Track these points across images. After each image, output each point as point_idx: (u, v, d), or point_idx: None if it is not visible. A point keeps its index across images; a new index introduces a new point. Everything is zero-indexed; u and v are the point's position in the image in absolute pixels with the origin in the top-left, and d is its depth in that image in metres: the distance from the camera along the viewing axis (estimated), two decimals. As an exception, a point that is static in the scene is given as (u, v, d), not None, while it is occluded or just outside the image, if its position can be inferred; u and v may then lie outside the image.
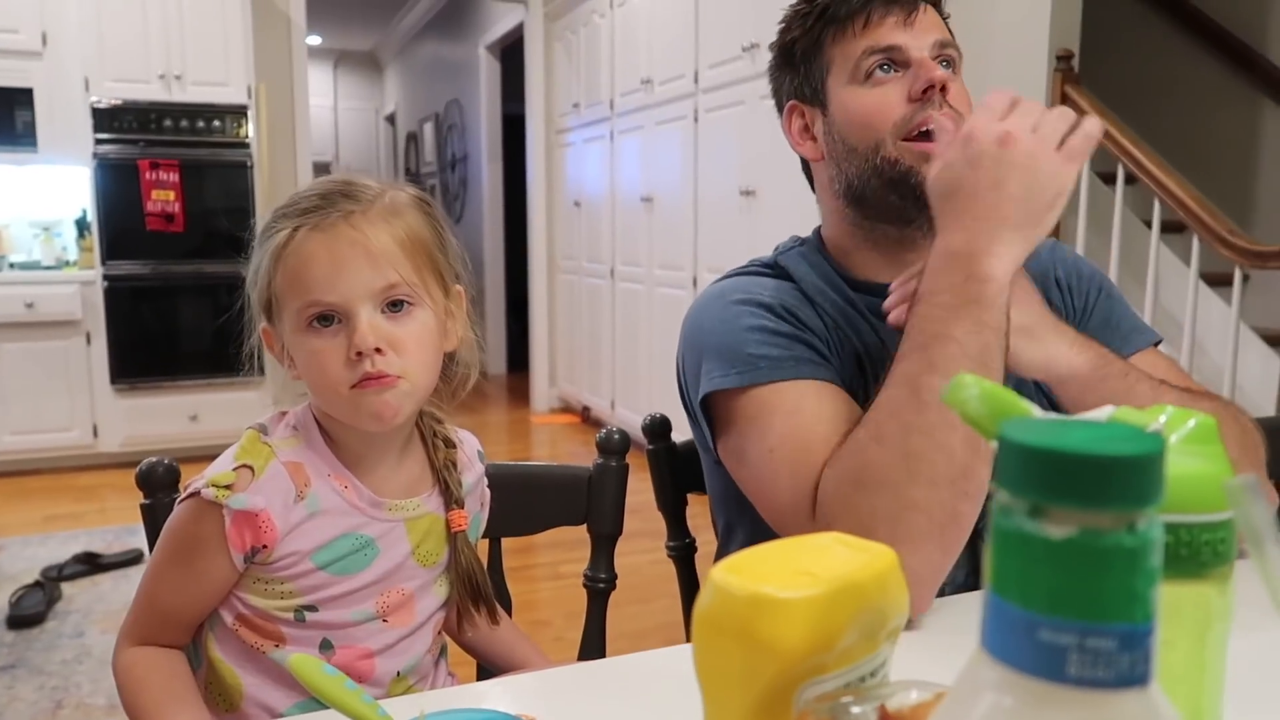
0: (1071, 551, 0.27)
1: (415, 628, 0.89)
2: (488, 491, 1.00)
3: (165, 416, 4.29)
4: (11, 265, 4.27)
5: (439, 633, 0.94)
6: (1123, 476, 0.26)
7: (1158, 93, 3.66)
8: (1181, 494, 0.37)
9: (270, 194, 4.65)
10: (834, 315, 0.97)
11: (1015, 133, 0.78)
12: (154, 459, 0.98)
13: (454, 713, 0.58)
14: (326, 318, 0.80)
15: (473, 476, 0.95)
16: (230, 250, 4.05)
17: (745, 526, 1.01)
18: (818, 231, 1.06)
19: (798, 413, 0.86)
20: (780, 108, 1.05)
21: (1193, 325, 2.58)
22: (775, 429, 0.86)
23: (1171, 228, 2.86)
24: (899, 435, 0.76)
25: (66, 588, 2.84)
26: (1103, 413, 0.40)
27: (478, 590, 0.92)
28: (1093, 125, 0.80)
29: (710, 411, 0.94)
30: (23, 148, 4.11)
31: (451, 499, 0.91)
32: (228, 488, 0.80)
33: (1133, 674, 0.27)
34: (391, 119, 9.11)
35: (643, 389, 4.40)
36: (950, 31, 0.97)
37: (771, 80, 1.06)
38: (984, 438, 0.37)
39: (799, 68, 0.99)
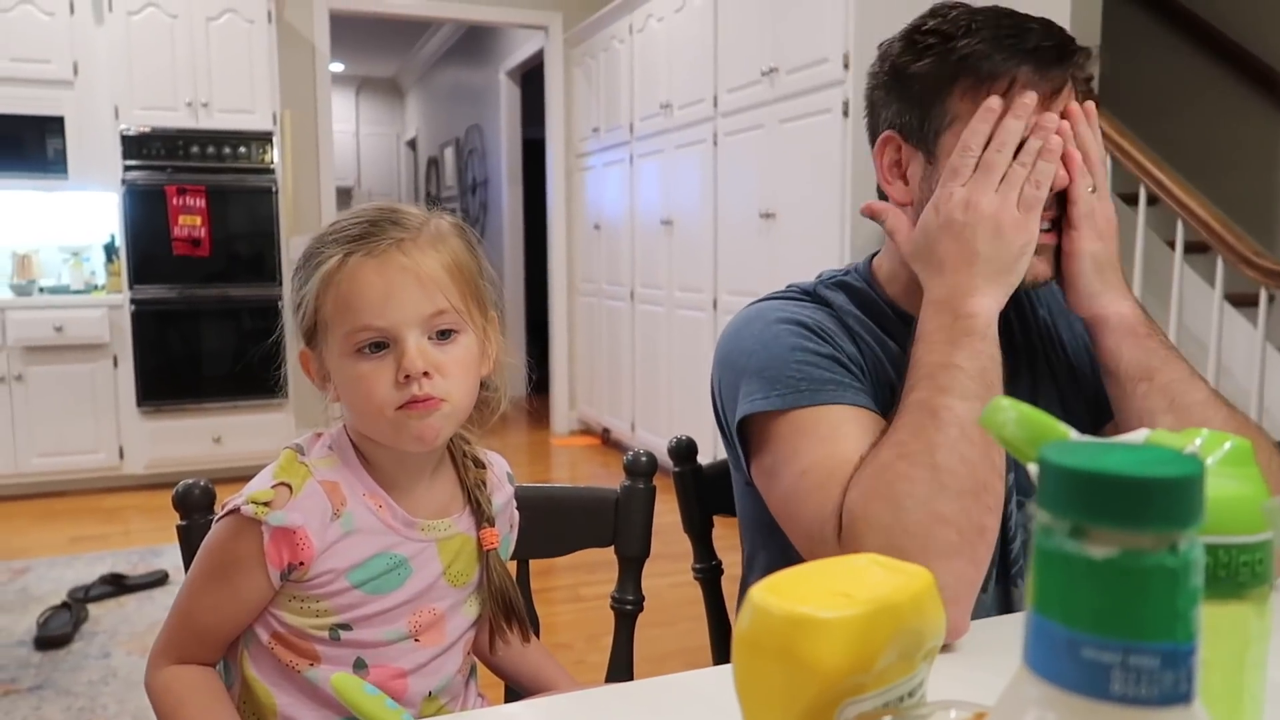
0: (1113, 572, 0.27)
1: (446, 647, 0.90)
2: (516, 514, 1.01)
3: (190, 439, 4.33)
4: (41, 290, 4.34)
5: (468, 653, 0.95)
6: (1164, 498, 0.27)
7: (1178, 112, 3.65)
8: (1219, 515, 0.37)
9: (294, 219, 4.71)
10: (871, 344, 0.97)
11: (977, 199, 0.86)
12: (190, 481, 0.99)
13: None
14: (378, 344, 0.81)
15: (502, 498, 0.97)
16: (255, 275, 4.09)
17: (768, 553, 1.01)
18: (870, 259, 1.05)
19: (833, 438, 0.86)
20: (874, 130, 0.99)
21: (1218, 347, 2.56)
22: (810, 452, 0.86)
23: (1195, 248, 2.85)
24: (925, 451, 0.78)
25: (93, 609, 2.86)
26: (1138, 435, 0.40)
27: (511, 607, 0.93)
28: (1041, 171, 0.86)
29: (746, 432, 0.94)
30: (54, 174, 4.20)
31: (483, 518, 0.92)
32: (266, 505, 0.82)
33: (1176, 692, 0.27)
34: (413, 144, 9.20)
35: (663, 411, 4.40)
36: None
37: (870, 93, 0.99)
38: (1021, 461, 0.38)
39: (913, 102, 0.92)
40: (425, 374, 0.81)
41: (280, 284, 4.43)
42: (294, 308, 0.87)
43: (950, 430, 0.78)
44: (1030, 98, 0.86)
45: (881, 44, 0.98)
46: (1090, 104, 0.91)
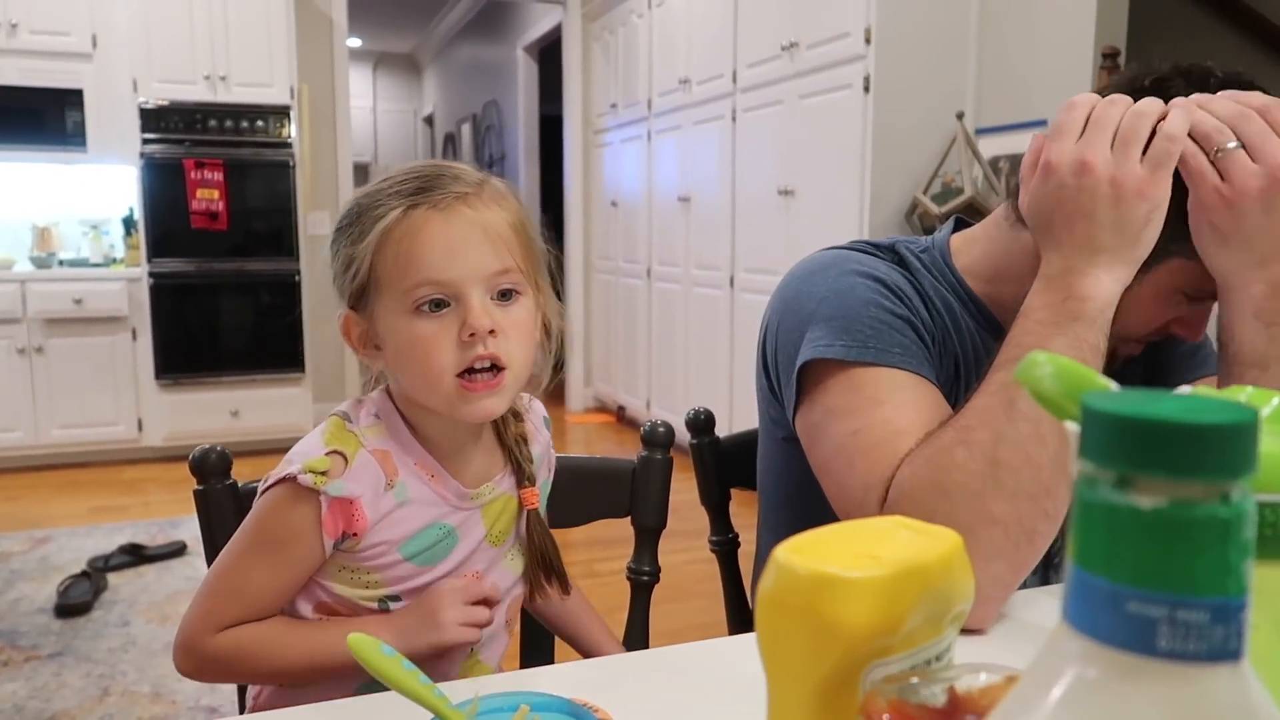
0: (1162, 523, 0.26)
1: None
2: (554, 456, 1.00)
3: (208, 412, 4.36)
4: (61, 262, 4.36)
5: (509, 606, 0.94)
6: (1218, 446, 0.26)
7: (1206, 91, 3.58)
8: (1266, 472, 0.36)
9: (311, 194, 4.72)
10: (943, 313, 0.93)
11: (1091, 160, 0.77)
12: (207, 446, 0.98)
13: (510, 695, 0.58)
14: (439, 302, 0.78)
15: (540, 446, 0.95)
16: (273, 249, 4.11)
17: (788, 515, 1.00)
18: (947, 240, 1.00)
19: (891, 404, 0.83)
20: None
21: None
22: (866, 412, 0.83)
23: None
24: (988, 443, 0.74)
25: (112, 578, 2.89)
26: (1182, 390, 0.39)
27: (550, 565, 0.92)
28: (1174, 123, 0.77)
29: (802, 380, 0.90)
30: (73, 147, 4.21)
31: (524, 476, 0.90)
32: (324, 474, 0.79)
33: (1225, 648, 0.26)
34: (430, 120, 9.18)
35: (679, 389, 4.39)
36: None
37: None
38: (1058, 418, 0.36)
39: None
40: (491, 332, 0.77)
41: (298, 259, 4.44)
42: (342, 267, 0.82)
43: (1022, 425, 0.73)
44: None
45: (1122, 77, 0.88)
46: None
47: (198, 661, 0.82)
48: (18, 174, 4.45)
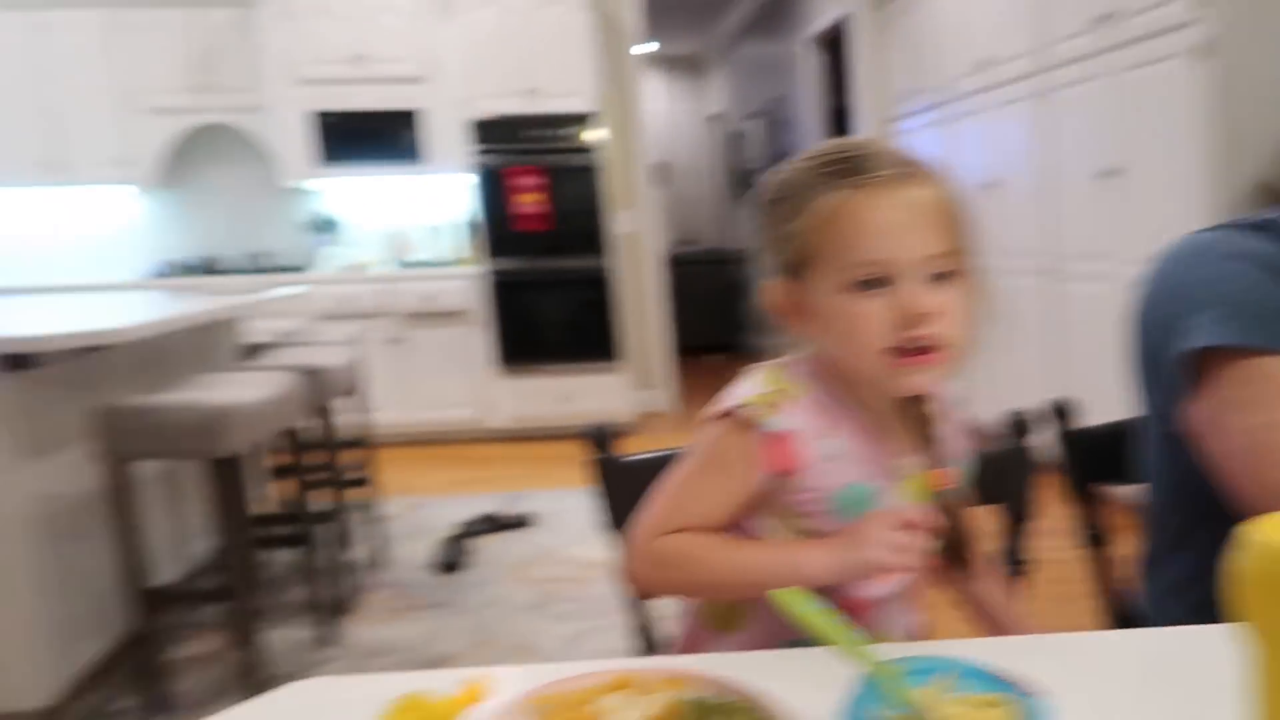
0: None
1: (899, 583, 0.91)
2: (967, 437, 0.98)
3: (543, 397, 4.87)
4: (414, 264, 5.04)
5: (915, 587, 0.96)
6: None
7: None
8: None
9: (617, 194, 5.07)
10: None
11: None
12: (600, 424, 1.13)
13: (938, 659, 0.62)
14: (875, 280, 0.79)
15: (952, 426, 0.94)
16: (588, 247, 4.51)
17: (1184, 516, 0.96)
18: None
19: None
20: None
21: None
22: (1275, 404, 0.79)
23: None
24: None
25: (472, 543, 3.30)
26: None
27: (959, 549, 0.92)
28: None
29: (1190, 370, 0.85)
30: (415, 161, 4.88)
31: (935, 456, 0.90)
32: (763, 408, 0.84)
33: None
34: (716, 118, 9.43)
35: (996, 380, 4.27)
36: None
37: None
38: None
39: None
40: (926, 315, 0.78)
41: (608, 256, 4.83)
42: (775, 242, 0.85)
43: None
44: None
45: None
46: None
47: (643, 563, 0.88)
48: (375, 187, 5.19)
